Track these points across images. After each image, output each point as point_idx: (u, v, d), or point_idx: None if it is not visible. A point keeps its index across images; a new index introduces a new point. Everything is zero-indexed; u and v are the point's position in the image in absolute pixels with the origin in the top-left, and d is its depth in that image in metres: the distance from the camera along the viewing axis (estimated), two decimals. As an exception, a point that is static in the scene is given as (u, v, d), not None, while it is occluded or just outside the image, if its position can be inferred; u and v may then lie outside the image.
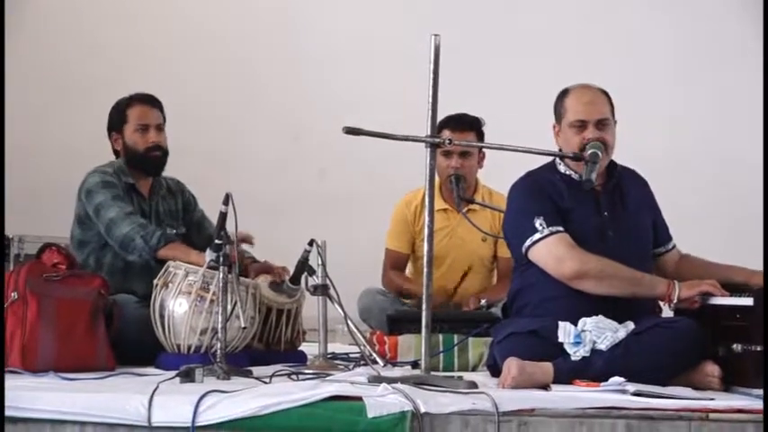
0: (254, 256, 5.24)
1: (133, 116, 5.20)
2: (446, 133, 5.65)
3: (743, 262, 4.55)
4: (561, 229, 4.36)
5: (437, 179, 5.68)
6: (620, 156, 4.56)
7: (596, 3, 8.17)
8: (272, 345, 5.03)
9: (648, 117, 7.36)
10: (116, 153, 5.27)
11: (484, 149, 5.85)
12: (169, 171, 5.34)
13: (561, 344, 4.19)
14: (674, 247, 4.67)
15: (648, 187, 4.64)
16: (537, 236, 4.36)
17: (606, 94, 4.53)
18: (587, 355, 4.13)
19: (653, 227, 4.58)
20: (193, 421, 3.62)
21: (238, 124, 8.31)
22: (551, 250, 4.34)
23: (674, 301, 4.26)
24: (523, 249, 4.41)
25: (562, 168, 4.53)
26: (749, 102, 7.55)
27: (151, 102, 5.24)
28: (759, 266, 4.47)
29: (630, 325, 4.22)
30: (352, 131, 4.05)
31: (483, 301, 5.63)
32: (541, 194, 4.45)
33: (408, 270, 6.05)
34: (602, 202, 4.48)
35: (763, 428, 3.61)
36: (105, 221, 4.98)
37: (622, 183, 4.54)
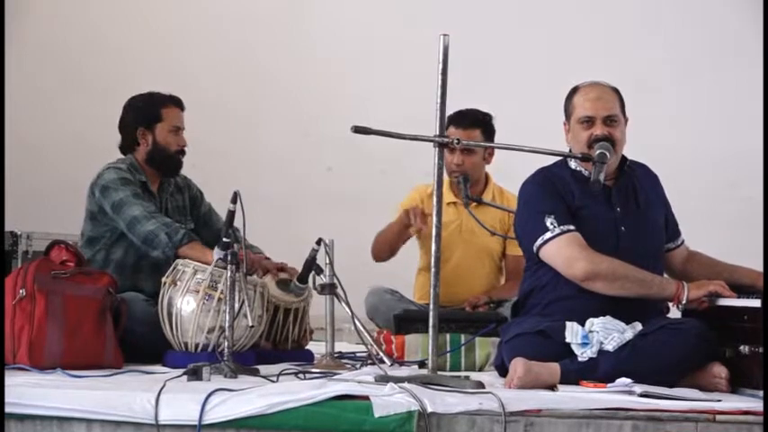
0: (261, 252, 5.24)
1: (169, 116, 5.21)
2: (452, 130, 5.64)
3: (745, 260, 4.55)
4: (572, 227, 4.35)
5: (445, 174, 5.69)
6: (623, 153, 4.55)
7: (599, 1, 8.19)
8: (279, 343, 5.03)
9: (650, 115, 7.34)
10: (126, 148, 5.25)
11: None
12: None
13: (568, 344, 4.19)
14: (682, 242, 4.67)
15: (659, 182, 4.63)
16: (548, 235, 4.36)
17: (616, 90, 4.52)
18: (594, 355, 4.13)
19: (664, 223, 4.58)
20: (200, 419, 3.63)
21: (247, 122, 8.31)
22: (562, 250, 4.33)
23: (683, 302, 4.26)
24: (534, 248, 4.40)
25: (573, 165, 4.52)
26: (750, 100, 7.53)
27: (181, 105, 5.28)
28: (760, 266, 4.47)
29: (638, 326, 4.21)
30: (360, 130, 4.05)
31: (491, 301, 5.63)
32: (552, 192, 4.44)
33: (416, 264, 6.02)
34: (613, 197, 4.47)
35: (764, 430, 3.60)
36: (128, 219, 4.97)
37: (634, 178, 4.54)
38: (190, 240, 4.92)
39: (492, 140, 5.77)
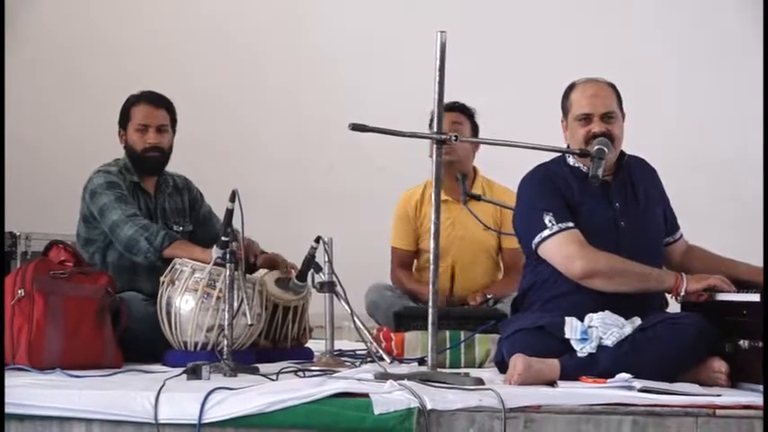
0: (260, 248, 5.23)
1: (136, 115, 5.17)
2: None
3: (746, 260, 4.54)
4: (571, 225, 4.35)
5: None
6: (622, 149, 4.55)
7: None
8: (278, 342, 5.03)
9: (650, 114, 7.35)
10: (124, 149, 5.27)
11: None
12: (176, 168, 5.33)
13: (568, 340, 4.19)
14: (681, 236, 4.67)
15: (657, 176, 4.63)
16: (546, 232, 4.35)
17: (613, 86, 4.52)
18: (594, 351, 4.13)
19: (663, 217, 4.58)
20: (200, 418, 3.63)
21: (245, 121, 8.31)
22: (561, 248, 4.33)
23: (682, 293, 4.25)
24: (533, 246, 4.40)
25: (572, 161, 4.52)
26: (750, 99, 7.53)
27: (157, 102, 5.19)
28: (761, 263, 4.47)
29: (637, 321, 4.21)
30: (358, 128, 4.04)
31: (489, 296, 5.63)
32: (551, 189, 4.43)
33: (414, 264, 6.03)
34: (612, 193, 4.46)
35: (763, 425, 3.60)
36: (109, 224, 4.98)
37: (632, 174, 4.53)
38: (171, 241, 4.89)
39: (477, 134, 5.81)
